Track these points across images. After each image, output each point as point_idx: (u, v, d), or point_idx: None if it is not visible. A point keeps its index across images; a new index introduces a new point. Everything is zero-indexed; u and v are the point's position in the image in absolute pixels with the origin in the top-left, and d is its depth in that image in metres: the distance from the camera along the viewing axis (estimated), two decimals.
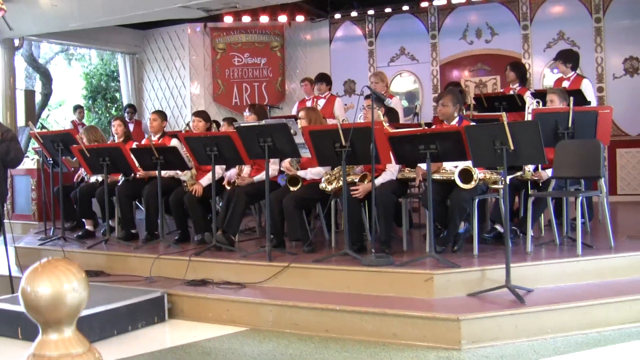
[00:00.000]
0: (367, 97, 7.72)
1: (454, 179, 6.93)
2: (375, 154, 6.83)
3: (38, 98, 18.91)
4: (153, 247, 8.79)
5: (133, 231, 9.54)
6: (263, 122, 8.12)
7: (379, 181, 7.35)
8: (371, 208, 7.28)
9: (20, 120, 14.03)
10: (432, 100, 14.14)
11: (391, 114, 8.88)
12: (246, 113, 9.34)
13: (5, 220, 10.11)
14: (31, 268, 2.42)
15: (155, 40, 16.55)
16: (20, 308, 6.27)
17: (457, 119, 7.52)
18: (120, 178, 9.70)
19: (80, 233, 9.95)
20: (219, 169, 8.68)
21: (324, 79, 11.72)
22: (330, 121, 9.95)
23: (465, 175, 6.89)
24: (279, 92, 15.87)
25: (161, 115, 9.89)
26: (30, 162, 12.92)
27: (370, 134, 6.79)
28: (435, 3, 14.18)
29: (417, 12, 14.66)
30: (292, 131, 7.30)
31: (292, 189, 7.98)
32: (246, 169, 8.83)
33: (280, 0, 12.02)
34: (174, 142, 9.15)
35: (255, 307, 6.74)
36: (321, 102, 11.46)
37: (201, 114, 9.59)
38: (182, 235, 9.11)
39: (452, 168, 7.13)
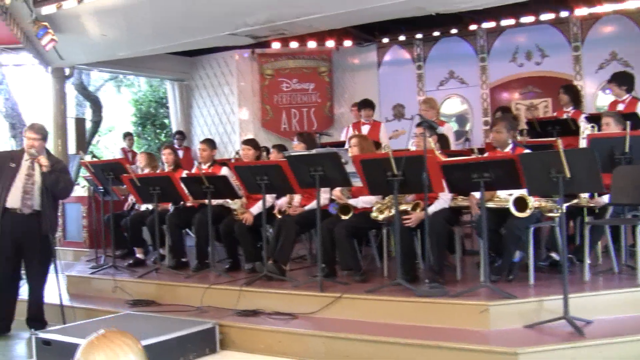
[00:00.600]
0: (418, 124, 7.62)
1: (508, 207, 6.79)
2: (427, 183, 6.73)
3: (88, 125, 19.11)
4: (203, 276, 8.76)
5: (183, 259, 9.54)
6: (314, 151, 8.07)
7: (431, 210, 7.23)
8: (424, 237, 7.18)
9: (71, 148, 14.13)
10: (482, 124, 14.04)
11: (442, 140, 8.77)
12: (295, 142, 9.30)
13: (56, 248, 10.19)
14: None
15: (203, 66, 16.62)
16: (72, 339, 6.27)
17: (510, 146, 7.38)
18: (171, 207, 9.72)
19: (131, 261, 9.99)
20: (269, 198, 8.64)
21: (369, 104, 11.62)
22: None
23: (520, 203, 6.74)
24: (327, 117, 15.84)
25: (210, 144, 9.90)
26: (81, 189, 13.02)
27: (422, 163, 6.69)
28: (483, 26, 14.06)
29: (465, 35, 14.55)
30: (342, 160, 7.24)
31: (343, 217, 7.90)
32: (297, 198, 8.78)
33: (327, 26, 11.97)
34: (224, 171, 9.15)
35: (307, 339, 6.67)
36: (365, 128, 11.36)
37: (250, 142, 9.56)
38: (233, 264, 9.09)
39: (506, 196, 6.99)
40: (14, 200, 7.80)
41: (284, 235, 8.18)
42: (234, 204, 9.17)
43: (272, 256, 8.22)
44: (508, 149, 7.37)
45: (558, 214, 6.77)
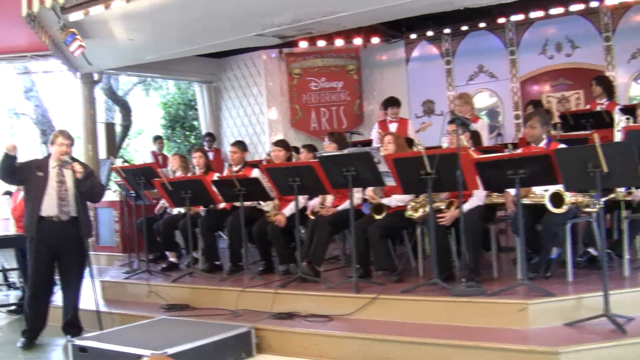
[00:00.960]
0: (451, 121, 7.52)
1: (544, 204, 6.69)
2: (461, 181, 6.64)
3: (118, 130, 19.17)
4: (238, 279, 8.74)
5: (217, 263, 9.53)
6: (346, 151, 8.01)
7: (466, 207, 7.13)
8: (459, 235, 7.10)
9: (102, 153, 14.21)
10: (513, 118, 13.90)
11: (474, 136, 8.66)
12: (326, 142, 9.23)
13: (90, 253, 10.22)
14: None
15: (231, 68, 16.63)
16: (108, 346, 6.28)
17: (545, 141, 7.27)
18: (202, 210, 9.70)
19: (164, 265, 9.99)
20: (301, 199, 8.60)
21: (394, 102, 11.52)
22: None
23: (557, 199, 6.64)
24: (357, 115, 15.77)
25: (241, 146, 9.87)
26: (112, 194, 13.04)
27: (455, 160, 6.61)
28: (512, 18, 13.92)
29: (494, 28, 14.41)
30: (375, 160, 7.17)
31: (376, 217, 7.83)
32: (329, 198, 8.73)
33: (355, 24, 11.92)
34: (255, 173, 9.12)
35: (344, 341, 6.62)
36: (393, 126, 11.26)
37: (281, 143, 9.52)
38: (266, 266, 9.07)
39: (541, 192, 6.88)
40: (49, 208, 7.81)
41: (318, 237, 8.14)
42: (266, 206, 9.13)
43: (306, 258, 8.17)
44: (542, 144, 7.25)
45: (595, 209, 6.66)
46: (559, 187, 6.54)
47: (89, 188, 8.04)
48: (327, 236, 8.21)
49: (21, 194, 9.88)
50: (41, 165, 7.96)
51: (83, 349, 6.80)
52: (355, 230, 7.57)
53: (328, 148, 9.03)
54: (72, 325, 8.13)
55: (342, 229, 8.65)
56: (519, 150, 7.69)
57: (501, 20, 13.98)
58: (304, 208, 8.93)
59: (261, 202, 9.17)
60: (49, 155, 8.08)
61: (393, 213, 7.86)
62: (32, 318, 8.01)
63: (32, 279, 7.91)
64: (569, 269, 6.87)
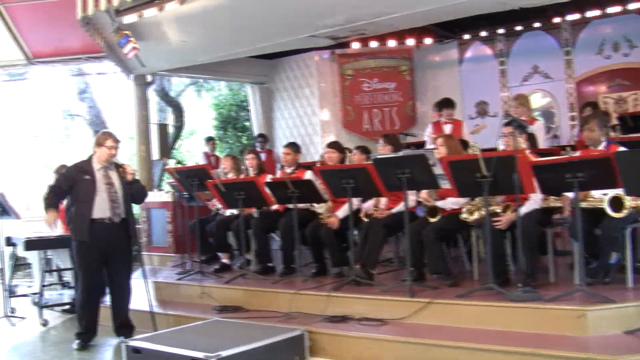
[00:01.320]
0: (507, 123, 7.41)
1: (603, 208, 6.56)
2: (518, 184, 6.53)
3: (170, 131, 19.29)
4: (290, 282, 8.72)
5: (270, 264, 9.51)
6: (401, 153, 7.94)
7: (522, 211, 7.02)
8: (514, 239, 6.99)
9: (155, 154, 14.29)
10: (569, 119, 13.70)
11: (531, 138, 8.53)
12: (381, 144, 9.15)
13: (142, 253, 10.29)
14: None
15: (283, 69, 16.63)
16: (162, 347, 6.29)
17: (604, 144, 7.12)
18: (255, 211, 9.70)
19: (216, 267, 10.01)
20: (355, 201, 8.54)
21: (449, 104, 11.38)
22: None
23: (616, 203, 6.50)
24: (410, 116, 15.67)
25: (294, 147, 9.84)
26: (165, 195, 13.12)
27: (512, 163, 6.50)
28: (568, 18, 13.68)
29: (549, 28, 14.20)
30: (430, 162, 7.09)
31: (431, 220, 7.75)
32: (383, 201, 8.67)
33: (408, 25, 11.83)
34: (309, 175, 9.09)
35: (398, 345, 6.56)
36: (447, 127, 11.14)
37: (334, 145, 9.47)
38: (319, 268, 9.02)
39: (600, 195, 6.74)
40: (102, 210, 7.88)
41: (372, 239, 8.08)
42: (319, 208, 9.09)
43: (360, 260, 8.13)
44: (601, 146, 7.11)
45: None
46: (618, 191, 6.41)
47: (140, 189, 8.18)
48: (381, 239, 8.16)
49: None
50: (85, 168, 8.01)
51: (137, 350, 6.81)
52: (409, 233, 7.49)
53: (383, 150, 8.98)
54: (125, 326, 8.18)
55: (396, 231, 8.59)
56: (577, 153, 7.53)
57: (556, 19, 13.76)
58: (358, 210, 8.87)
59: (314, 204, 9.11)
60: (90, 158, 8.11)
61: (448, 216, 7.77)
62: (86, 321, 8.06)
63: (85, 283, 7.96)
64: (629, 274, 6.73)
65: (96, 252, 7.88)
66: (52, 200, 8.00)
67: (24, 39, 14.04)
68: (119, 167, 8.14)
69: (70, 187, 7.91)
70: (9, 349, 8.45)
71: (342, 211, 8.64)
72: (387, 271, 8.95)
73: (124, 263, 8.18)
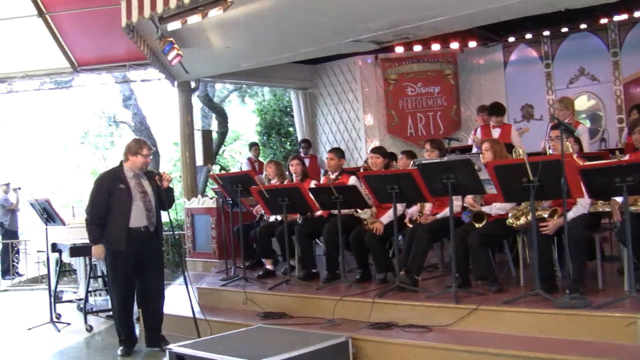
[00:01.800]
0: (554, 127, 7.30)
1: None
2: (566, 189, 6.42)
3: (214, 137, 19.36)
4: (334, 288, 8.65)
5: (314, 270, 9.46)
6: (445, 158, 7.87)
7: (570, 216, 6.90)
8: (561, 244, 6.88)
9: (199, 160, 14.36)
10: (616, 122, 13.49)
11: (577, 142, 8.39)
12: (427, 148, 9.07)
13: (187, 259, 10.31)
14: None
15: (327, 74, 16.63)
16: (205, 354, 6.27)
17: None
18: (299, 217, 9.67)
19: (260, 273, 9.98)
20: (399, 206, 8.47)
21: (500, 111, 11.24)
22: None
23: None
24: (454, 121, 15.57)
25: (338, 153, 9.78)
26: (209, 201, 13.15)
27: (559, 168, 6.39)
28: (615, 18, 13.47)
29: (595, 29, 14.01)
30: (476, 167, 7.01)
31: (476, 225, 7.66)
32: (428, 206, 8.59)
33: (452, 28, 11.74)
34: (353, 180, 9.02)
35: (444, 353, 6.48)
36: (496, 132, 11.01)
37: (378, 151, 9.40)
38: (364, 274, 8.95)
39: None
40: (139, 219, 7.95)
41: (416, 245, 8.01)
42: (363, 214, 9.02)
43: (404, 266, 8.05)
44: None
45: None
46: None
47: (171, 197, 8.21)
48: (426, 244, 8.07)
49: None
50: (119, 176, 8.04)
51: (180, 357, 6.81)
52: (454, 239, 7.41)
53: (430, 155, 8.90)
54: (159, 336, 8.20)
55: (441, 237, 8.51)
56: (626, 157, 7.38)
57: (603, 20, 13.56)
58: (402, 216, 8.80)
59: (358, 210, 9.05)
60: (121, 165, 8.13)
61: (494, 221, 7.67)
62: (126, 329, 8.09)
63: (122, 292, 7.99)
64: None
65: (132, 262, 7.92)
66: (96, 231, 7.96)
67: (70, 47, 14.18)
68: (155, 175, 8.17)
69: (107, 197, 7.91)
70: (54, 355, 8.53)
71: (387, 217, 8.58)
72: (432, 277, 8.85)
73: (159, 271, 8.25)
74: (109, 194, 7.90)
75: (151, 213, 8.01)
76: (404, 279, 7.83)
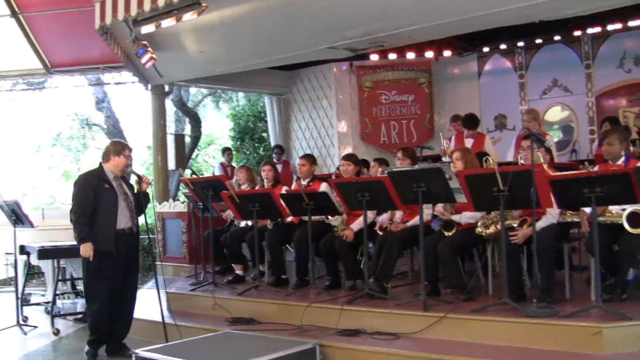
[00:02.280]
0: (525, 137, 7.33)
1: (621, 223, 6.46)
2: (535, 199, 6.45)
3: (187, 141, 19.31)
4: (304, 294, 8.63)
5: (283, 276, 9.44)
6: (417, 166, 7.88)
7: (539, 225, 6.94)
8: (530, 254, 6.90)
9: (171, 164, 14.29)
10: (588, 133, 13.58)
11: (548, 153, 8.44)
12: (399, 157, 9.08)
13: (157, 263, 10.26)
14: None
15: (301, 80, 16.63)
16: (175, 359, 6.21)
17: (623, 158, 7.03)
18: (269, 223, 9.65)
19: (230, 278, 9.94)
20: (370, 214, 8.48)
21: (474, 124, 11.25)
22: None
23: (635, 218, 6.40)
24: (427, 129, 15.61)
25: (310, 159, 9.77)
26: (181, 205, 13.09)
27: (529, 177, 6.42)
28: (589, 31, 13.60)
29: (569, 41, 14.12)
30: (447, 176, 7.02)
31: (446, 234, 7.68)
32: (398, 214, 8.59)
33: (427, 37, 11.77)
34: (324, 187, 9.01)
35: None
36: (469, 142, 11.04)
37: (350, 158, 9.43)
38: (333, 281, 8.94)
39: (619, 210, 6.64)
40: (124, 220, 7.91)
41: (386, 253, 8.01)
42: (334, 221, 9.00)
43: (374, 274, 8.05)
44: (620, 161, 7.03)
45: None
46: (637, 207, 6.31)
47: (147, 201, 8.23)
48: (396, 252, 8.08)
49: None
50: (102, 177, 7.95)
51: None
52: (424, 247, 7.41)
53: (402, 163, 8.90)
54: (121, 344, 8.14)
55: (411, 245, 8.54)
56: (596, 168, 7.43)
57: (577, 33, 13.68)
58: (373, 223, 8.80)
59: (329, 217, 9.04)
60: (102, 167, 8.05)
61: (464, 230, 7.69)
62: (101, 330, 7.99)
63: (105, 293, 7.88)
64: None
65: (118, 263, 7.84)
66: (83, 229, 7.76)
67: (43, 48, 14.11)
68: (137, 177, 8.12)
69: (94, 196, 7.80)
70: (20, 358, 8.45)
71: (357, 224, 8.58)
72: (402, 285, 8.85)
73: (135, 273, 8.19)
74: (95, 193, 7.78)
75: (133, 214, 7.97)
76: (373, 287, 7.83)
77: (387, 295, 7.84)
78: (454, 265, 7.56)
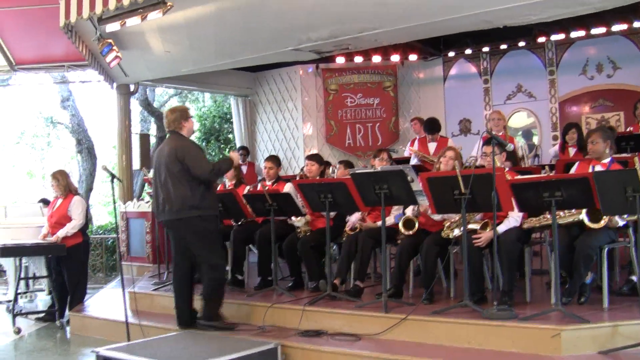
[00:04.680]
0: (486, 142, 7.39)
1: (581, 220, 6.55)
2: (496, 202, 6.51)
3: (153, 141, 19.22)
4: (266, 295, 8.63)
5: (239, 277, 9.36)
6: (379, 168, 7.91)
7: (501, 229, 7.00)
8: (492, 257, 6.96)
9: (135, 164, 14.21)
10: (551, 139, 13.72)
11: (512, 157, 8.48)
12: (383, 157, 9.13)
13: (122, 263, 10.21)
14: None
15: (267, 82, 16.63)
16: (134, 358, 6.21)
17: (608, 160, 7.15)
18: (234, 223, 9.63)
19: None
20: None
21: (436, 128, 11.37)
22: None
23: (594, 212, 6.50)
24: (392, 132, 15.67)
25: (275, 161, 9.76)
26: (145, 205, 13.03)
27: (490, 181, 6.48)
28: (552, 38, 13.76)
29: (533, 47, 14.29)
30: (408, 178, 7.06)
31: (405, 232, 7.72)
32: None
33: (392, 41, 11.84)
34: (288, 188, 9.01)
35: None
36: (432, 145, 11.14)
37: (314, 157, 9.45)
38: (296, 282, 8.94)
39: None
40: None
41: (361, 252, 8.04)
42: (298, 222, 9.02)
43: (339, 275, 8.09)
44: (606, 161, 7.12)
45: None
46: None
47: None
48: (369, 250, 8.12)
49: (59, 202, 9.92)
50: None
51: None
52: (385, 248, 7.47)
53: (382, 164, 8.96)
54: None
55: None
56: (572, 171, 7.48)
57: (541, 39, 13.86)
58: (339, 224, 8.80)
59: (294, 218, 9.05)
60: (179, 135, 7.95)
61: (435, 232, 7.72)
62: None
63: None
64: (605, 295, 6.69)
65: None
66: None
67: (7, 45, 13.95)
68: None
69: None
70: None
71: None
72: (365, 286, 8.87)
73: None
74: None
75: None
76: (352, 292, 7.90)
77: (359, 299, 7.79)
78: (434, 265, 7.60)
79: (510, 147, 7.32)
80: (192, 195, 7.60)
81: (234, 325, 7.76)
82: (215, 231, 7.92)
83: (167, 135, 8.07)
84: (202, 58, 12.25)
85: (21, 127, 25.17)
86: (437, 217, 7.68)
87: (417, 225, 7.75)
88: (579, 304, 6.80)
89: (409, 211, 8.16)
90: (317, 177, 9.28)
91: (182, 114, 7.92)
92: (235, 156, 8.25)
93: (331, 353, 6.74)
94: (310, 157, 9.51)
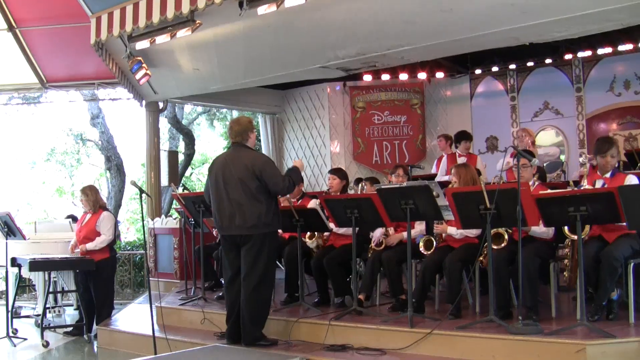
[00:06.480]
0: (515, 157, 7.42)
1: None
2: (521, 216, 6.52)
3: (181, 158, 19.34)
4: (293, 310, 8.67)
5: None
6: (405, 184, 7.94)
7: (536, 231, 7.15)
8: (517, 272, 6.96)
9: (164, 180, 14.32)
10: (578, 156, 13.66)
11: (540, 171, 8.50)
12: (399, 173, 9.17)
13: (150, 279, 10.28)
14: None
15: (295, 100, 16.72)
16: None
17: (610, 172, 7.13)
18: None
19: (220, 293, 9.95)
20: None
21: (467, 136, 11.46)
22: None
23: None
24: (419, 150, 15.71)
25: (340, 174, 9.65)
26: (173, 221, 13.12)
27: (516, 196, 6.50)
28: (579, 55, 13.76)
29: (560, 65, 14.28)
30: (434, 193, 7.09)
31: (425, 252, 7.79)
32: (391, 229, 8.64)
33: (419, 58, 11.90)
34: (313, 204, 9.05)
35: None
36: (461, 160, 11.15)
37: (337, 172, 9.47)
38: (322, 297, 8.97)
39: None
40: None
41: (389, 271, 8.12)
42: (311, 243, 9.08)
43: (364, 290, 8.12)
44: (608, 174, 7.11)
45: None
46: None
47: None
48: (395, 266, 8.13)
49: (88, 217, 10.05)
50: None
51: None
52: (410, 264, 7.51)
53: (399, 180, 8.99)
54: None
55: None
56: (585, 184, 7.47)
57: (568, 56, 13.85)
58: (363, 240, 8.82)
59: (306, 239, 9.10)
60: (246, 147, 7.97)
61: (467, 245, 7.75)
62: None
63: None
64: (632, 311, 6.67)
65: None
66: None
67: (39, 63, 14.19)
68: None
69: None
70: None
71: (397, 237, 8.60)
72: (389, 302, 8.90)
73: None
74: None
75: None
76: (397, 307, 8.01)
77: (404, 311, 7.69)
78: (459, 281, 7.60)
79: (535, 161, 7.32)
80: (267, 212, 7.67)
81: (276, 340, 7.78)
82: (277, 248, 8.07)
83: (231, 147, 8.09)
84: (231, 76, 12.35)
85: (51, 144, 25.42)
86: (456, 235, 7.72)
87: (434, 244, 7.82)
88: (608, 320, 6.77)
89: (377, 233, 8.50)
90: (339, 192, 9.30)
91: (248, 125, 7.95)
92: (300, 163, 8.29)
93: None
94: (333, 172, 9.53)
